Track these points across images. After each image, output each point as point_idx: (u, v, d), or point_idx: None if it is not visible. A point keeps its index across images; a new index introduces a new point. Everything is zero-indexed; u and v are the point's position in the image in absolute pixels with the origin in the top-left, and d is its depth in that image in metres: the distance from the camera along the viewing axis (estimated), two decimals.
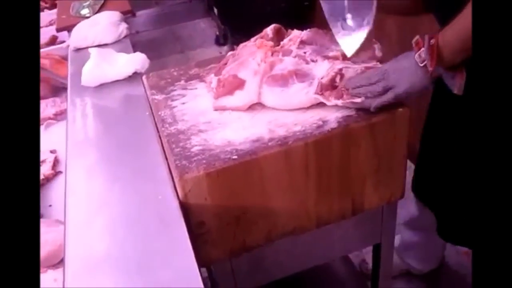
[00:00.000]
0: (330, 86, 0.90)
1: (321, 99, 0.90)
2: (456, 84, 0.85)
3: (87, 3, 1.82)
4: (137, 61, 1.25)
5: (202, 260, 0.89)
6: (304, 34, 1.03)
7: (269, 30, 1.07)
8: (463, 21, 0.80)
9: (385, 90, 0.86)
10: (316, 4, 2.85)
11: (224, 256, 0.91)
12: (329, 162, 0.88)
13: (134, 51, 1.36)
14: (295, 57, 0.94)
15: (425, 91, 0.88)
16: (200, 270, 0.71)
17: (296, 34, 1.04)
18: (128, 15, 1.78)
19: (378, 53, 0.98)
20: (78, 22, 1.56)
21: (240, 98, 0.94)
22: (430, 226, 1.30)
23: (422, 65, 0.84)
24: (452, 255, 1.59)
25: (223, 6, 2.91)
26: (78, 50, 1.47)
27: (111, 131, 1.06)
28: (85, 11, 1.74)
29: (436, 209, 1.26)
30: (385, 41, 0.99)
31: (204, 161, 0.82)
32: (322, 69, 0.93)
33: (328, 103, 0.89)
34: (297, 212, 0.91)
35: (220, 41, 3.41)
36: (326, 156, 0.87)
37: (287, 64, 0.93)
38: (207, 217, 0.84)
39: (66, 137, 1.07)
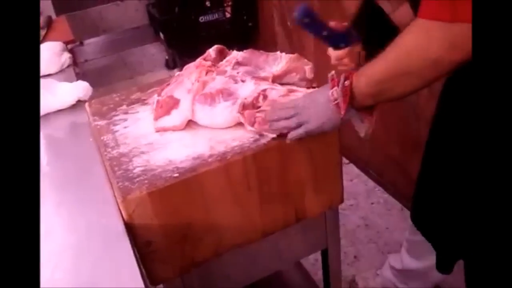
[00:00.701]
0: (251, 106, 0.93)
1: (241, 119, 0.92)
2: (365, 128, 0.87)
3: None
4: (80, 89, 1.27)
5: (152, 279, 0.91)
6: (241, 55, 1.07)
7: (212, 50, 1.11)
8: (375, 67, 0.81)
9: (298, 125, 0.88)
10: (259, 25, 2.96)
11: (174, 274, 0.93)
12: (268, 174, 0.92)
13: (84, 80, 1.37)
14: (226, 77, 0.98)
15: (336, 129, 0.90)
16: None
17: (234, 55, 1.09)
18: (71, 44, 1.78)
19: (309, 75, 1.01)
20: None
21: (176, 117, 0.97)
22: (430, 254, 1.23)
23: (334, 103, 0.84)
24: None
25: (169, 30, 2.96)
26: None
27: (56, 160, 1.07)
28: None
29: (434, 241, 1.18)
30: None
31: (146, 181, 0.84)
32: (247, 89, 0.96)
33: (247, 127, 0.92)
34: (242, 224, 0.94)
35: (169, 65, 3.45)
36: (265, 168, 0.91)
37: (217, 83, 0.98)
38: (154, 236, 0.86)
39: None
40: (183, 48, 3.04)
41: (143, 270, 0.88)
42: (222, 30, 2.94)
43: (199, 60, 1.09)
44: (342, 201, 1.05)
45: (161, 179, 0.85)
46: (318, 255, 1.25)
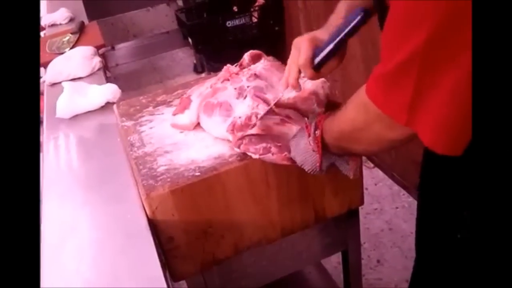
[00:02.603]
0: (244, 126, 0.90)
1: (230, 138, 0.92)
2: (351, 169, 0.84)
3: (63, 40, 1.89)
4: (109, 91, 1.31)
5: (174, 275, 0.94)
6: (261, 67, 1.04)
7: (246, 56, 1.11)
8: (334, 126, 0.77)
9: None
10: (286, 29, 2.97)
11: (195, 270, 0.96)
12: (288, 173, 0.94)
13: (115, 83, 1.42)
14: (236, 88, 0.99)
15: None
16: (171, 284, 0.75)
17: (255, 66, 1.07)
18: (102, 48, 1.84)
19: (324, 98, 0.97)
20: (53, 59, 1.62)
21: (187, 117, 1.01)
22: None
23: (312, 151, 0.81)
24: None
25: (197, 35, 3.01)
26: (53, 84, 1.53)
27: (84, 159, 1.11)
28: (60, 48, 1.81)
29: None
30: None
31: (169, 180, 0.88)
32: (243, 108, 0.94)
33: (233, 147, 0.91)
34: (261, 223, 0.96)
35: (198, 69, 3.50)
36: (284, 168, 0.92)
37: (225, 93, 0.98)
38: (175, 232, 0.89)
39: (42, 168, 1.12)
40: (210, 53, 3.08)
41: (166, 266, 0.91)
42: (249, 35, 2.97)
43: (228, 65, 1.09)
44: (362, 203, 1.06)
45: (183, 178, 0.88)
46: (340, 258, 1.25)
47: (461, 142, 0.58)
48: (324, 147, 0.79)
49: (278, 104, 0.93)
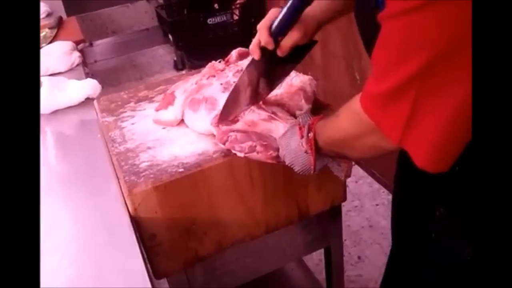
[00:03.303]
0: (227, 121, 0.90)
1: (214, 132, 0.90)
2: (343, 171, 0.84)
3: (43, 33, 1.85)
4: (89, 87, 1.29)
5: (156, 273, 0.93)
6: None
7: (234, 52, 1.10)
8: (327, 132, 0.77)
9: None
10: None
11: (178, 268, 0.95)
12: (272, 170, 0.93)
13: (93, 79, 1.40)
14: (222, 84, 0.98)
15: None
16: (153, 282, 0.75)
17: (242, 62, 1.06)
18: (81, 44, 1.81)
19: (311, 95, 0.97)
20: None
21: (171, 113, 0.99)
22: None
23: (305, 153, 0.80)
24: None
25: (178, 32, 2.99)
26: None
27: (64, 155, 1.09)
28: (40, 41, 1.77)
29: None
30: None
31: (152, 176, 0.86)
32: None
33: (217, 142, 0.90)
34: (245, 220, 0.96)
35: (178, 66, 3.48)
36: (268, 165, 0.92)
37: (210, 89, 0.97)
38: (158, 229, 0.88)
39: None
40: (191, 50, 3.07)
41: (148, 264, 0.90)
42: (230, 32, 2.97)
43: (213, 62, 1.08)
44: (344, 199, 1.06)
45: (166, 174, 0.86)
46: (322, 256, 1.26)
47: (451, 162, 0.59)
48: (317, 150, 0.79)
49: (265, 101, 0.93)
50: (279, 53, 0.86)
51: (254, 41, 0.88)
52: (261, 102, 0.92)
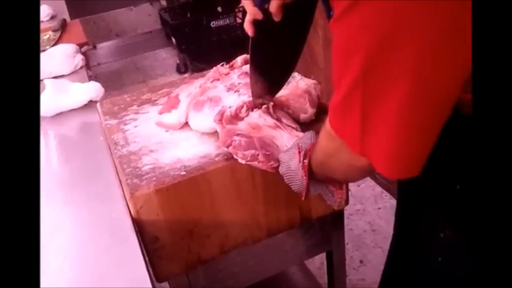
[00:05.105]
0: (233, 117, 0.90)
1: (217, 128, 0.90)
2: (336, 201, 0.84)
3: (47, 36, 1.86)
4: (92, 90, 1.29)
5: (158, 276, 0.93)
6: None
7: (239, 59, 1.10)
8: (314, 152, 0.76)
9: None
10: None
11: (180, 271, 0.94)
12: (274, 174, 0.93)
13: (97, 82, 1.40)
14: (227, 86, 0.98)
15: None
16: (154, 285, 0.75)
17: (247, 66, 1.04)
18: (84, 46, 1.81)
19: (315, 98, 0.98)
20: None
21: (174, 116, 1.00)
22: None
23: (301, 176, 0.79)
24: None
25: (181, 35, 3.00)
26: None
27: (67, 157, 1.10)
28: (44, 44, 1.78)
29: None
30: None
31: (154, 179, 0.86)
32: (233, 98, 0.95)
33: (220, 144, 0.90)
34: (247, 223, 0.96)
35: (181, 69, 3.49)
36: None
37: (215, 91, 0.98)
38: (160, 232, 0.88)
39: None
40: (194, 53, 3.07)
41: (150, 267, 0.90)
42: (233, 35, 2.97)
43: (218, 66, 1.09)
44: (347, 203, 1.06)
45: (168, 177, 0.87)
46: (324, 259, 1.26)
47: (417, 166, 0.56)
48: (311, 175, 0.78)
49: (273, 101, 0.93)
50: (274, 18, 0.82)
51: (246, 18, 0.86)
52: (270, 106, 0.91)
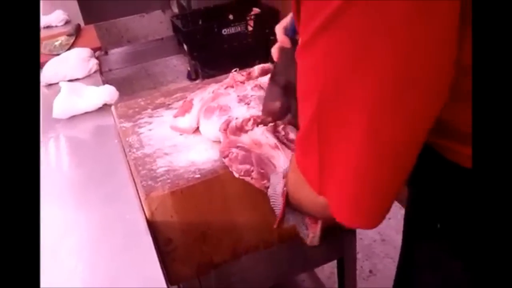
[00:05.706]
0: (238, 129, 0.91)
1: (221, 137, 0.91)
2: (308, 236, 0.82)
3: (59, 41, 1.88)
4: (106, 93, 1.30)
5: (171, 279, 0.93)
6: (266, 81, 1.02)
7: (257, 68, 1.10)
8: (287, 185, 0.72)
9: None
10: None
11: (192, 274, 0.95)
12: None
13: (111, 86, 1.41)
14: (239, 95, 0.99)
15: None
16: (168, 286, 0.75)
17: (263, 78, 1.06)
18: (98, 51, 1.83)
19: None
20: (49, 59, 1.61)
21: (187, 120, 1.00)
22: None
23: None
24: None
25: (192, 42, 3.02)
26: (49, 85, 1.52)
27: (81, 160, 1.10)
28: (56, 49, 1.80)
29: None
30: None
31: (168, 181, 0.87)
32: (242, 110, 0.95)
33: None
34: (259, 227, 0.96)
35: (192, 76, 3.50)
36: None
37: (227, 99, 0.99)
38: (174, 233, 0.88)
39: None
40: (205, 60, 3.09)
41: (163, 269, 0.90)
42: (244, 43, 2.99)
43: (235, 73, 1.09)
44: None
45: (183, 179, 0.87)
46: (334, 268, 1.25)
47: (377, 217, 0.54)
48: (289, 204, 0.74)
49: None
50: (287, 44, 0.85)
51: (275, 45, 0.88)
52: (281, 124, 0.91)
